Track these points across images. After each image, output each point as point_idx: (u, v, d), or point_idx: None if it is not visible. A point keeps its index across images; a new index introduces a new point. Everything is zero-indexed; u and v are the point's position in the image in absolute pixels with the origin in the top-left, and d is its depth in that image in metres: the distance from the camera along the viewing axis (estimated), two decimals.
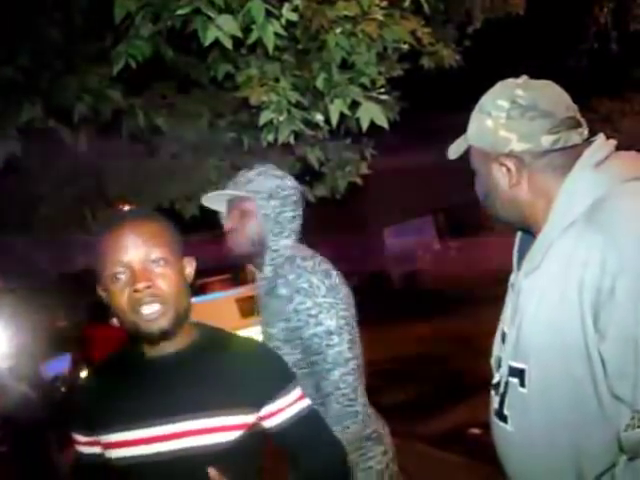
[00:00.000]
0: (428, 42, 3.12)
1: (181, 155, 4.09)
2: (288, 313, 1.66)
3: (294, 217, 1.78)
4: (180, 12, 1.88)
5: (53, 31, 2.98)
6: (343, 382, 1.62)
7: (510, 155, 1.12)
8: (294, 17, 2.10)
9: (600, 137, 1.14)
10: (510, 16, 4.04)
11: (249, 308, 10.02)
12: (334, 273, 1.70)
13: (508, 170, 1.14)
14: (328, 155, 3.70)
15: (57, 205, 4.76)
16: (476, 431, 4.12)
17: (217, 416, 1.21)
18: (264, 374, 1.28)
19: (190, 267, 1.33)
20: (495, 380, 1.20)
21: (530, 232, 1.18)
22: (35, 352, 4.97)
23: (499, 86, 1.16)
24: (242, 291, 11.26)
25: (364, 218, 14.42)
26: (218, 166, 4.08)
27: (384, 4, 2.54)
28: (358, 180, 3.90)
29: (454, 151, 1.24)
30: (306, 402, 1.32)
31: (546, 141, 1.09)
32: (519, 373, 1.09)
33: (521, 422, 1.10)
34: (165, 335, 1.21)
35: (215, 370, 1.26)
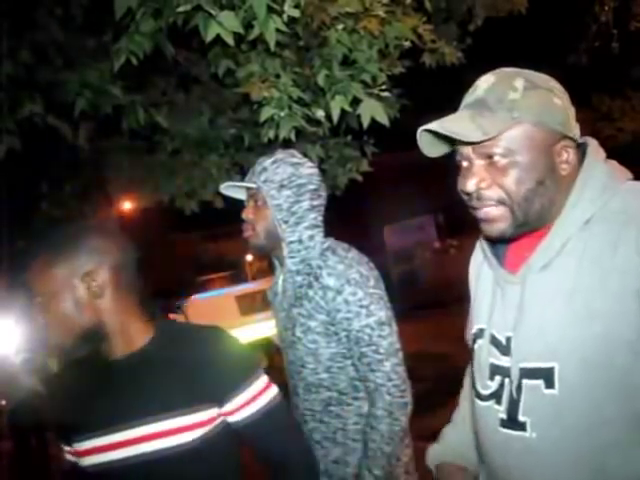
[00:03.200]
0: (430, 39, 3.11)
1: (181, 151, 4.08)
2: (336, 304, 1.62)
3: (313, 206, 1.71)
4: (181, 9, 1.87)
5: (53, 26, 2.97)
6: (395, 373, 1.61)
7: (571, 139, 1.05)
8: (296, 13, 2.09)
9: (589, 138, 1.12)
10: (512, 14, 4.03)
11: (249, 305, 10.05)
12: (372, 265, 1.71)
13: (566, 157, 1.04)
14: (329, 152, 3.69)
15: (57, 201, 4.77)
16: None
17: (177, 416, 1.20)
18: (222, 368, 1.24)
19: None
20: (491, 389, 1.12)
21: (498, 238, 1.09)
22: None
23: (518, 70, 1.06)
24: (242, 288, 11.28)
25: (364, 216, 14.41)
26: (219, 163, 4.07)
27: (386, 1, 2.53)
28: (359, 177, 3.89)
29: (484, 131, 1.00)
30: (271, 393, 1.30)
31: (578, 132, 1.07)
32: (544, 374, 1.01)
33: (549, 426, 1.01)
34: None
35: (171, 368, 1.23)
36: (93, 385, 1.27)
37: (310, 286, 1.66)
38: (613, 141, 11.46)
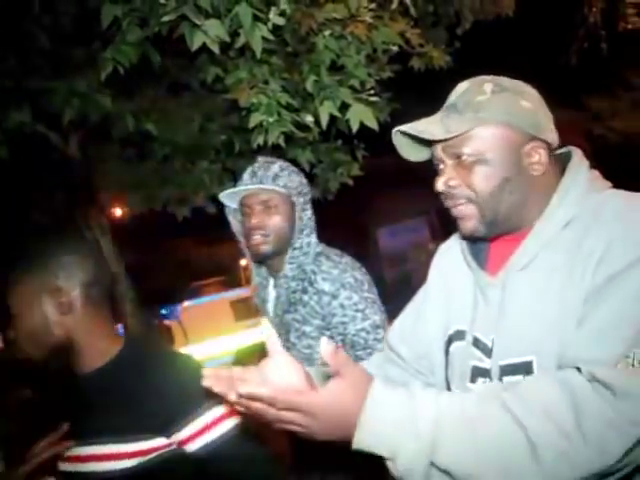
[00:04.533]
0: (418, 43, 3.13)
1: (173, 158, 4.08)
2: (331, 309, 1.63)
3: (312, 214, 1.76)
4: (166, 19, 1.87)
5: (41, 35, 2.96)
6: None
7: (543, 141, 1.07)
8: (281, 21, 2.09)
9: (574, 148, 1.14)
10: (500, 17, 4.05)
11: (243, 310, 10.04)
12: (364, 269, 1.73)
13: (538, 158, 1.06)
14: (319, 157, 3.69)
15: (48, 210, 4.76)
16: None
17: (119, 442, 1.21)
18: (167, 400, 1.21)
19: None
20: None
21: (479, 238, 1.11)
22: None
23: (491, 77, 1.10)
24: (237, 293, 11.26)
25: (358, 219, 14.42)
26: (210, 169, 4.08)
27: (372, 6, 2.54)
28: (350, 181, 3.90)
29: (447, 129, 1.04)
30: (228, 424, 1.24)
31: (555, 137, 1.10)
32: (523, 368, 1.02)
33: None
34: None
35: (120, 394, 1.22)
36: (63, 398, 1.31)
37: (305, 291, 1.67)
38: (604, 140, 11.52)
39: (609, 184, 1.10)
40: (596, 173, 1.11)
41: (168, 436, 1.22)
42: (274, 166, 1.72)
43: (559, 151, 1.13)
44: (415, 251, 14.60)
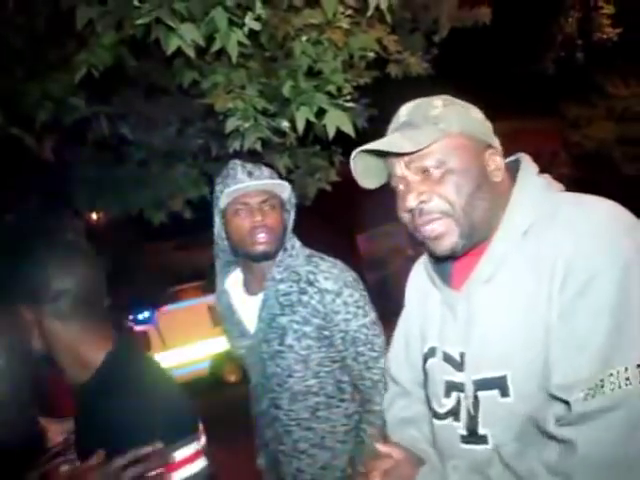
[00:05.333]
0: (395, 50, 3.14)
1: (149, 162, 4.04)
2: (335, 306, 1.65)
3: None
4: (140, 21, 1.85)
5: (14, 37, 2.92)
6: None
7: (496, 148, 1.09)
8: (257, 26, 2.08)
9: (522, 154, 1.15)
10: (477, 25, 4.09)
11: None
12: None
13: (496, 164, 1.07)
14: (297, 162, 3.69)
15: (23, 214, 4.68)
16: None
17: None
18: (150, 426, 1.10)
19: None
20: (448, 407, 1.11)
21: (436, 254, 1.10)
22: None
23: (435, 97, 1.12)
24: (213, 299, 11.18)
25: (337, 224, 14.45)
26: (187, 173, 4.05)
27: (350, 12, 2.54)
28: (327, 187, 3.90)
29: (416, 142, 1.02)
30: (202, 463, 1.16)
31: (498, 144, 1.12)
32: (497, 383, 1.02)
33: (509, 435, 1.01)
34: None
35: (97, 413, 1.14)
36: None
37: (303, 292, 1.67)
38: (580, 148, 11.69)
39: (561, 187, 1.10)
40: (547, 177, 1.11)
41: None
42: (263, 166, 1.74)
43: (508, 159, 1.14)
44: (394, 256, 14.66)
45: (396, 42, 3.09)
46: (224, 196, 1.69)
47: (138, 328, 10.31)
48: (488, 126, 1.11)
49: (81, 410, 1.22)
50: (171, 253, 15.72)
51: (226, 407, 8.28)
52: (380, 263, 14.62)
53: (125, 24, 2.07)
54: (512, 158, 1.15)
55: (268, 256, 1.71)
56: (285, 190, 1.73)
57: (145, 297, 11.69)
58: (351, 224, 14.19)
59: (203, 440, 1.20)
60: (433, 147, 1.04)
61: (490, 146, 1.09)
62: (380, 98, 3.74)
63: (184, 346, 10.23)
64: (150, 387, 1.17)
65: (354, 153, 1.09)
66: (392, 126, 1.12)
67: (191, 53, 2.00)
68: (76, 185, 4.40)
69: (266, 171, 1.72)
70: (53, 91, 2.76)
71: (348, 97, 2.63)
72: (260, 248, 1.68)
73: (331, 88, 2.56)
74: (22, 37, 2.96)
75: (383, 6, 2.16)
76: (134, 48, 2.43)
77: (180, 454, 1.13)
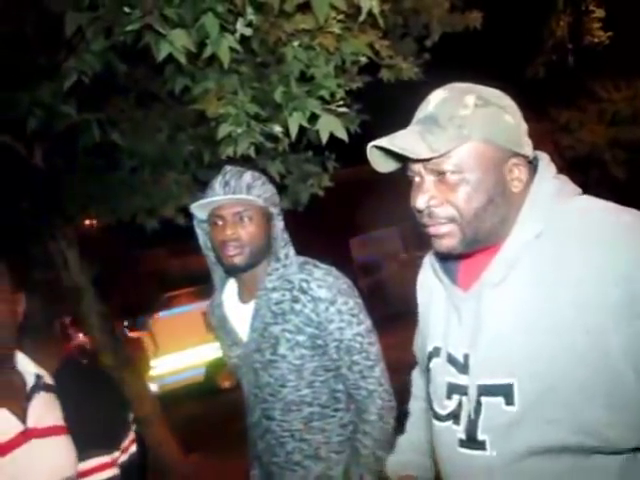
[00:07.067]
0: (387, 55, 3.14)
1: (141, 169, 4.02)
2: (329, 315, 1.62)
3: (284, 225, 1.73)
4: (130, 28, 1.83)
5: (3, 44, 2.90)
6: (384, 378, 1.67)
7: (522, 157, 1.05)
8: (248, 32, 2.08)
9: (541, 153, 1.12)
10: (468, 29, 4.10)
11: None
12: None
13: (518, 174, 1.04)
14: (289, 168, 3.67)
15: (13, 221, 4.65)
16: None
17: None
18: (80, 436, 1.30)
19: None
20: (449, 409, 1.10)
21: (450, 254, 1.09)
22: None
23: (471, 86, 1.06)
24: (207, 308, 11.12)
25: (330, 229, 14.46)
26: (179, 179, 4.03)
27: (341, 17, 2.54)
28: (320, 193, 3.89)
29: (433, 148, 1.00)
30: (102, 476, 1.34)
31: (531, 150, 1.07)
32: (502, 390, 1.00)
33: (509, 444, 1.00)
34: None
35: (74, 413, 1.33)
36: None
37: (296, 300, 1.64)
38: (572, 151, 11.72)
39: (578, 190, 1.08)
40: (564, 178, 1.09)
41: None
42: (246, 175, 1.67)
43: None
44: (387, 261, 14.67)
45: (388, 47, 3.08)
46: (196, 208, 1.69)
47: (132, 334, 10.24)
48: (521, 131, 1.06)
49: None
50: (164, 259, 15.66)
51: (221, 413, 8.24)
52: (374, 267, 14.62)
53: (115, 30, 2.05)
54: (531, 157, 1.10)
55: (241, 269, 1.69)
56: (266, 200, 1.67)
57: (139, 303, 11.64)
58: (344, 228, 14.18)
59: (117, 454, 1.39)
60: (453, 151, 1.01)
61: (516, 154, 1.04)
62: (372, 103, 3.74)
63: (179, 352, 10.17)
64: (77, 403, 1.34)
65: (368, 147, 1.07)
66: (418, 114, 1.08)
67: (182, 59, 1.99)
68: (67, 192, 4.38)
69: (245, 181, 1.65)
70: (43, 98, 2.74)
71: (341, 102, 2.63)
72: (229, 261, 1.67)
73: (324, 93, 2.55)
74: (11, 44, 2.94)
75: (375, 11, 2.16)
76: (124, 54, 2.41)
77: (91, 463, 1.32)
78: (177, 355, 10.21)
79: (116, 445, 1.41)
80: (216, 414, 8.10)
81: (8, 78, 2.93)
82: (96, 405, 1.40)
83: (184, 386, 9.85)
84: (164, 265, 15.72)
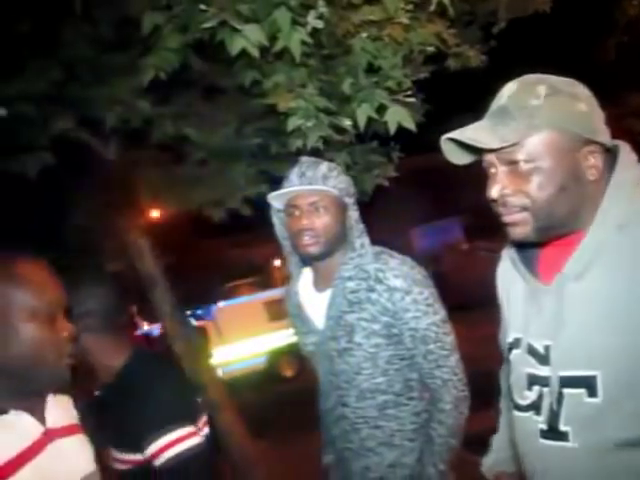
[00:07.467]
0: (454, 44, 3.10)
1: (208, 161, 4.12)
2: (404, 304, 1.65)
3: (359, 215, 1.76)
4: (208, 25, 1.89)
5: (82, 44, 3.03)
6: (458, 368, 1.70)
7: (598, 144, 1.04)
8: (320, 24, 2.10)
9: (621, 142, 1.11)
10: (536, 14, 3.98)
11: (277, 311, 10.10)
12: None
13: (593, 162, 1.04)
14: (355, 158, 3.68)
15: (88, 213, 4.85)
16: None
17: (119, 452, 1.50)
18: (142, 421, 1.42)
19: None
20: (529, 400, 1.11)
21: (530, 243, 1.10)
22: None
23: (543, 77, 1.07)
24: (270, 294, 11.33)
25: (392, 219, 14.38)
26: (245, 171, 4.10)
27: (410, 7, 2.53)
28: (385, 183, 3.88)
29: (502, 138, 1.02)
30: (189, 443, 1.42)
31: (607, 137, 1.07)
32: (585, 382, 1.00)
33: (592, 436, 1.01)
34: None
35: (113, 412, 1.49)
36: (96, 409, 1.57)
37: (372, 290, 1.67)
38: None
39: None
40: None
41: (142, 453, 1.43)
42: (322, 166, 1.72)
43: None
44: (448, 251, 14.49)
45: (454, 35, 3.05)
46: (273, 198, 1.75)
47: (196, 323, 10.54)
48: (595, 118, 1.06)
49: (106, 407, 1.52)
50: (226, 250, 15.99)
51: (282, 401, 8.38)
52: (435, 258, 14.47)
53: (191, 27, 2.12)
54: (610, 145, 1.10)
55: (316, 258, 1.73)
56: (341, 191, 1.71)
57: (202, 293, 11.95)
58: (406, 218, 14.09)
59: (191, 428, 1.46)
60: (526, 140, 1.03)
61: (591, 142, 1.04)
62: (435, 91, 3.70)
63: (241, 341, 10.40)
64: (148, 387, 1.47)
65: (442, 140, 1.09)
66: (493, 105, 1.10)
67: (255, 53, 2.03)
68: (138, 184, 4.53)
69: (320, 172, 1.69)
70: (121, 95, 2.86)
71: (408, 92, 2.62)
72: (305, 250, 1.71)
73: (391, 84, 2.56)
74: (89, 44, 3.07)
75: (446, 0, 2.14)
76: (197, 50, 2.48)
77: (178, 433, 1.42)
78: (239, 344, 10.44)
79: (195, 422, 1.50)
80: (278, 402, 8.25)
81: (87, 76, 3.06)
82: (170, 387, 1.51)
83: (246, 374, 10.06)
84: (225, 255, 16.08)
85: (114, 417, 1.49)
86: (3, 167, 3.16)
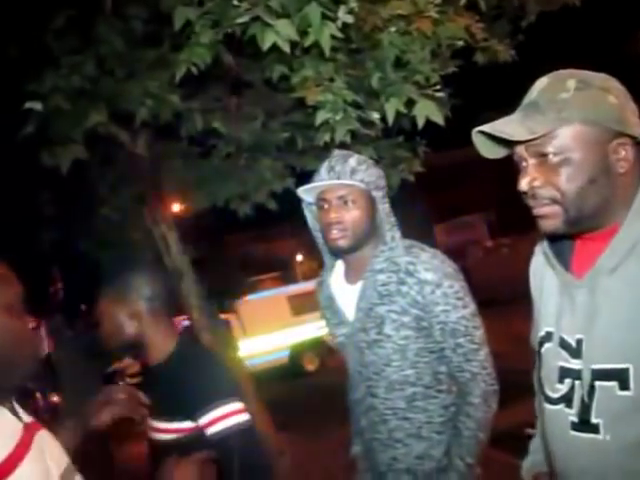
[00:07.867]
0: (482, 38, 3.09)
1: (235, 155, 4.16)
2: (435, 297, 1.66)
3: (390, 208, 1.77)
4: (241, 20, 1.92)
5: (115, 40, 3.09)
6: (487, 361, 1.70)
7: (629, 137, 1.04)
8: (350, 19, 2.11)
9: None
10: (566, 7, 3.94)
11: (300, 305, 10.14)
12: None
13: (624, 154, 1.04)
14: (381, 153, 3.69)
15: (116, 205, 4.94)
16: (531, 431, 4.05)
17: (167, 421, 1.60)
18: (197, 391, 1.54)
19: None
20: (561, 392, 1.12)
21: (563, 236, 1.11)
22: None
23: (575, 71, 1.08)
24: (294, 288, 11.38)
25: (415, 214, 14.34)
26: (272, 166, 4.14)
27: (438, 1, 2.53)
28: (411, 177, 3.89)
29: (531, 130, 1.03)
30: (240, 418, 1.52)
31: (639, 131, 1.07)
32: (617, 375, 1.01)
33: (624, 428, 1.01)
34: None
35: (169, 384, 1.58)
36: (145, 384, 1.74)
37: (402, 282, 1.68)
38: None
39: None
40: None
41: (194, 420, 1.53)
42: (351, 160, 1.73)
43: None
44: (472, 247, 14.39)
45: (483, 29, 3.03)
46: (303, 192, 1.77)
47: (220, 316, 10.63)
48: (627, 111, 1.06)
49: (156, 381, 1.64)
50: (250, 244, 16.08)
51: (305, 395, 8.43)
52: (458, 254, 14.38)
53: (222, 23, 2.15)
54: None
55: (345, 251, 1.75)
56: (369, 184, 1.71)
57: (225, 286, 12.05)
58: (430, 214, 14.03)
59: (239, 405, 1.55)
60: (556, 132, 1.04)
61: (621, 134, 1.04)
62: (463, 86, 3.68)
63: (264, 335, 10.47)
64: (203, 364, 1.61)
65: (473, 131, 1.11)
66: (524, 100, 1.12)
67: (286, 48, 2.05)
68: (166, 179, 4.60)
69: (349, 166, 1.70)
70: (152, 89, 2.90)
71: (436, 87, 2.62)
72: (334, 243, 1.73)
73: (419, 78, 2.56)
74: (122, 39, 3.13)
75: None
76: (228, 45, 2.51)
77: (232, 407, 1.52)
78: (263, 337, 10.50)
79: (242, 401, 1.59)
80: (301, 396, 8.30)
81: (119, 71, 3.12)
82: (222, 365, 1.67)
83: (269, 368, 10.12)
84: (251, 250, 16.16)
85: (167, 389, 1.57)
86: (38, 161, 3.24)
